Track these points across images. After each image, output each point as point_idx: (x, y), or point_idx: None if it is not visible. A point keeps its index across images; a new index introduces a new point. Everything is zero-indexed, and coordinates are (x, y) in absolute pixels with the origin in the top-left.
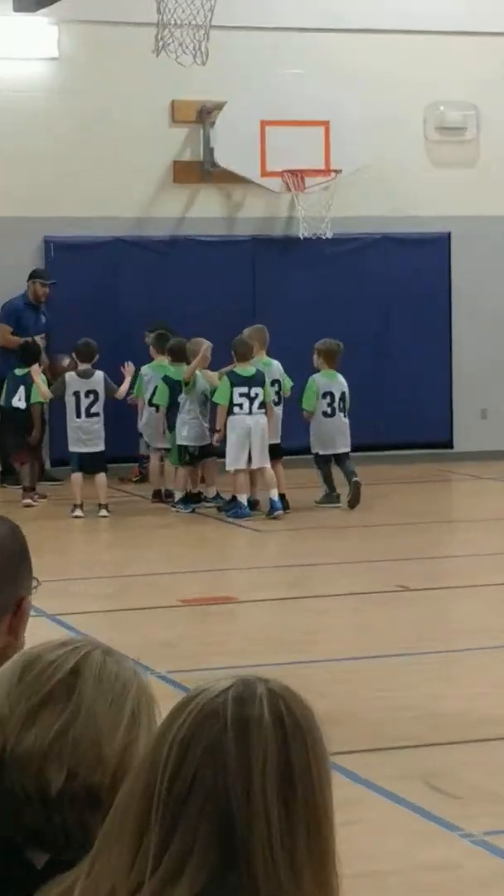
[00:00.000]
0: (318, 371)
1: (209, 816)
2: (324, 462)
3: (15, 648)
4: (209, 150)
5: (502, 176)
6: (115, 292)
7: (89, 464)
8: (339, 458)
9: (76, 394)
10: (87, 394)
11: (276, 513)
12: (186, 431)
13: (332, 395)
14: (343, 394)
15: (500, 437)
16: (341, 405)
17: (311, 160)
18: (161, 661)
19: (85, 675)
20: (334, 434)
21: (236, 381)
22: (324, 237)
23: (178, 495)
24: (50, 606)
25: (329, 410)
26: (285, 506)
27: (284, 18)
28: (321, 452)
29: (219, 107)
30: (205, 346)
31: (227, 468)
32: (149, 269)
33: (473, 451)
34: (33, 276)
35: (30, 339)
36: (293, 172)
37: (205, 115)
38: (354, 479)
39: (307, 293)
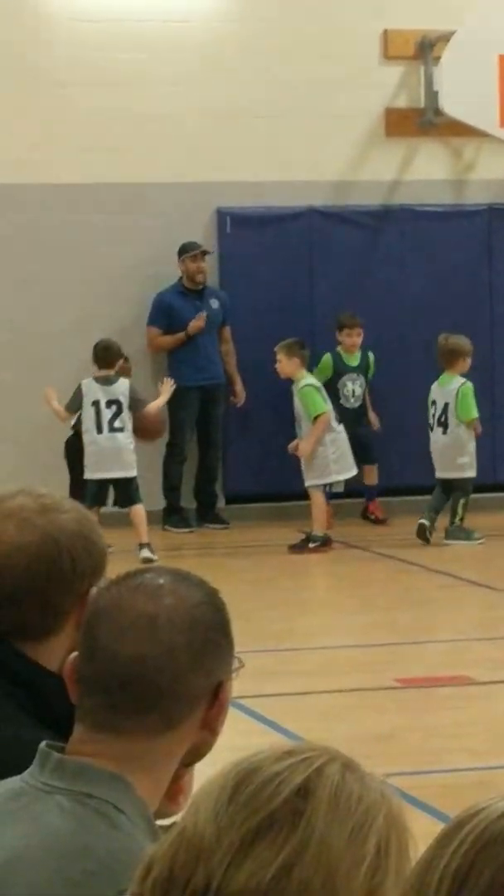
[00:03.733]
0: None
1: None
2: None
3: (210, 745)
4: (432, 95)
5: None
6: (308, 276)
7: (118, 493)
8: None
9: (95, 404)
10: (109, 404)
11: None
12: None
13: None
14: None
15: None
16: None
17: None
18: (376, 759)
19: (317, 796)
20: None
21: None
22: None
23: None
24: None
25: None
26: None
27: None
28: None
29: (445, 38)
30: None
31: None
32: (353, 248)
33: None
34: (179, 253)
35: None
36: None
37: (427, 48)
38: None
39: None
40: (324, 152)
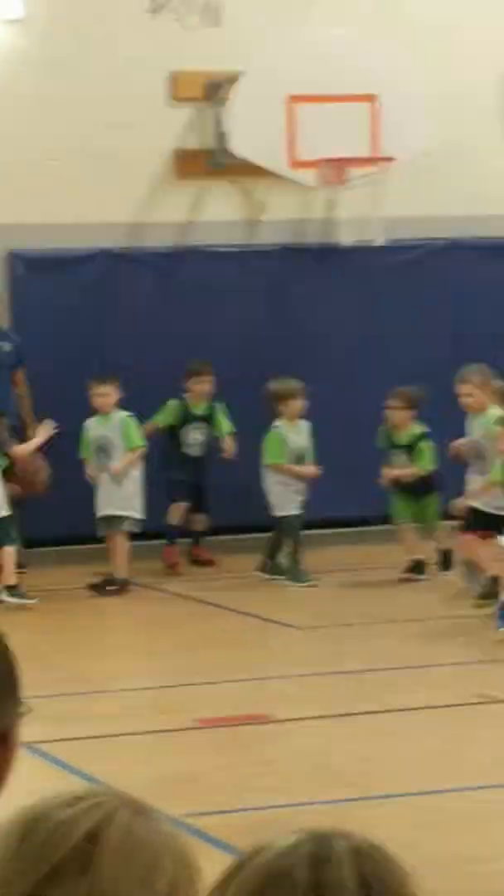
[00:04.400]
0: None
1: None
2: None
3: None
4: (221, 136)
5: None
6: (102, 319)
7: None
8: None
9: None
10: None
11: None
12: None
13: None
14: None
15: None
16: None
17: (355, 146)
18: (177, 799)
19: (106, 842)
20: None
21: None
22: (373, 245)
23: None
24: (29, 732)
25: None
26: None
27: None
28: None
29: (232, 79)
30: None
31: None
32: (145, 290)
33: None
34: None
35: None
36: (332, 162)
37: (214, 90)
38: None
39: (352, 317)
40: (115, 194)
